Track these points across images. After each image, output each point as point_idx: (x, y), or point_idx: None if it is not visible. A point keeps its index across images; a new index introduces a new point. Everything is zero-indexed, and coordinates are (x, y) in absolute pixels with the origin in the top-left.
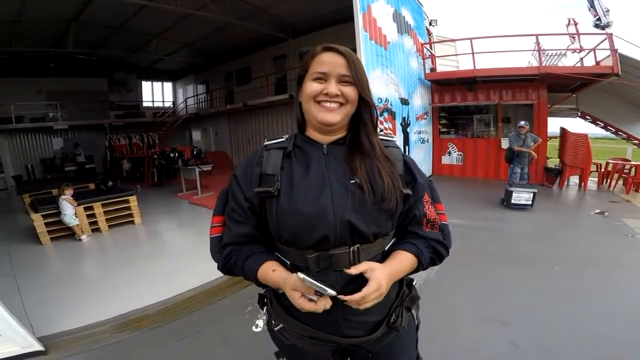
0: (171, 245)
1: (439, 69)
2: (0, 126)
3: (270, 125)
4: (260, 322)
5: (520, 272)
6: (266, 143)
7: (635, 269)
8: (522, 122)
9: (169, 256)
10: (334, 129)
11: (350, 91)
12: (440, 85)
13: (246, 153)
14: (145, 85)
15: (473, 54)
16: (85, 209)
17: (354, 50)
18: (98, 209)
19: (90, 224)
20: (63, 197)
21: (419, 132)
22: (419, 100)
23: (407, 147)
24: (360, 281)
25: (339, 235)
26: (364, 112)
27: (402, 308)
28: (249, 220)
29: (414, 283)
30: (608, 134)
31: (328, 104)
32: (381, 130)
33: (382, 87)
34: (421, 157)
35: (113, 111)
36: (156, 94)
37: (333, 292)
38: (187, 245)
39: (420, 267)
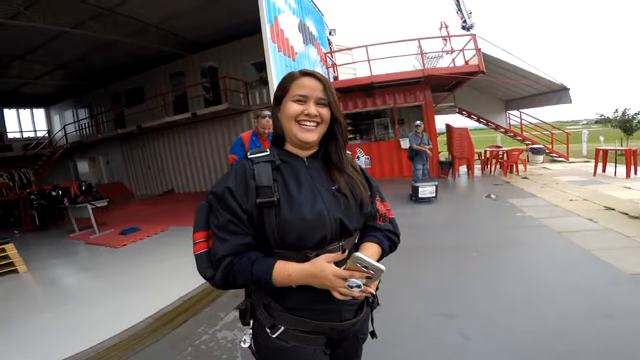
0: (74, 293)
1: (340, 77)
2: None
3: (172, 147)
4: (247, 338)
5: (445, 262)
6: (252, 156)
7: (535, 244)
8: (418, 122)
9: (73, 305)
10: (310, 145)
11: (325, 112)
12: (344, 92)
13: (147, 180)
14: (9, 113)
15: (369, 60)
16: None
17: (264, 61)
18: None
19: None
20: None
21: None
22: None
23: None
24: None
25: (334, 233)
26: (336, 129)
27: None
28: (248, 230)
29: None
30: (480, 125)
31: (308, 124)
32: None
33: None
34: None
35: None
36: (25, 122)
37: (384, 267)
38: (94, 289)
39: (383, 253)
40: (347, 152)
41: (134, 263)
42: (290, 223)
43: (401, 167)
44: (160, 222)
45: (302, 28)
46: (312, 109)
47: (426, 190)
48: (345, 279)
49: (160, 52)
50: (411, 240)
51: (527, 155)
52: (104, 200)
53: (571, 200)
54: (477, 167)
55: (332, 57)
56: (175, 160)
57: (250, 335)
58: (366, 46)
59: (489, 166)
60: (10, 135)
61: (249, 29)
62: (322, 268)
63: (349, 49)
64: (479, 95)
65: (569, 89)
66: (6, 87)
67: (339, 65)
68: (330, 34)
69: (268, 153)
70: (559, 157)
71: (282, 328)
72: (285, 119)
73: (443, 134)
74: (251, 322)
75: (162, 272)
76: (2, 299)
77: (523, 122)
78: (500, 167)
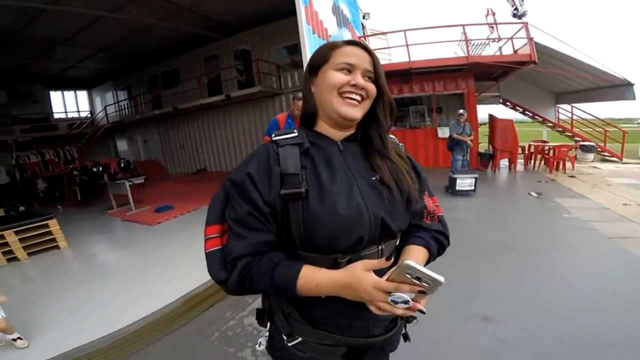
0: (110, 269)
1: None
2: None
3: (206, 128)
4: (263, 340)
5: (483, 262)
6: (276, 138)
7: (582, 248)
8: (461, 111)
9: (108, 282)
10: (351, 124)
11: (372, 87)
12: None
13: (181, 158)
14: (55, 95)
15: (407, 46)
16: None
17: (296, 44)
18: (11, 237)
19: (4, 253)
20: None
21: None
22: None
23: None
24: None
25: (373, 234)
26: (379, 110)
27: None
28: (271, 226)
29: None
30: (524, 118)
31: (353, 96)
32: None
33: None
34: None
35: (17, 125)
36: (69, 104)
37: (443, 279)
38: (128, 267)
39: (430, 258)
40: (392, 136)
41: (167, 241)
42: (321, 219)
43: (437, 157)
44: (192, 201)
45: (336, 10)
46: (360, 79)
47: (465, 182)
48: (390, 293)
49: (195, 36)
50: None
51: (576, 153)
52: (140, 177)
53: (625, 204)
54: (520, 161)
55: (365, 41)
56: (208, 141)
57: (267, 338)
58: (404, 30)
59: (532, 161)
60: (56, 116)
61: (281, 12)
62: (360, 278)
63: (384, 33)
64: (526, 87)
65: (634, 84)
66: (52, 70)
67: (373, 49)
68: (364, 17)
69: (296, 134)
70: (612, 156)
71: (300, 339)
72: (325, 89)
73: (485, 124)
74: (268, 324)
75: (193, 253)
76: (44, 274)
77: (574, 117)
78: (545, 164)
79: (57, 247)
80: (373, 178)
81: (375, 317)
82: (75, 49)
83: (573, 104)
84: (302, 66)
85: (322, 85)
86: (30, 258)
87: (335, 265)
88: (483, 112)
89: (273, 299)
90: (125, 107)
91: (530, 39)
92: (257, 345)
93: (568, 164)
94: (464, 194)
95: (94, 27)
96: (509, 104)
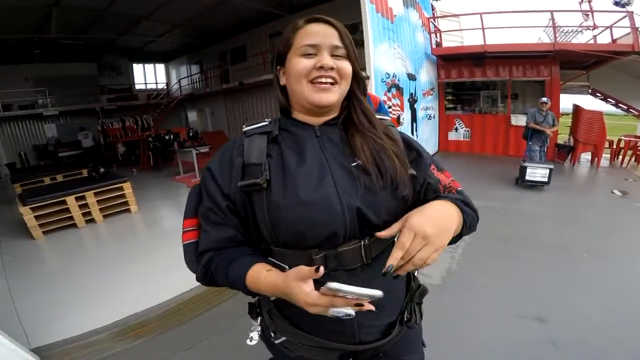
0: (171, 236)
1: (443, 44)
2: None
3: (267, 103)
4: (255, 335)
5: (547, 260)
6: (246, 129)
7: None
8: (544, 99)
9: (168, 249)
10: (327, 110)
11: (345, 66)
12: (447, 60)
13: None
14: (137, 68)
15: (483, 29)
16: (77, 199)
17: (359, 23)
18: (91, 198)
19: (84, 214)
20: None
21: (426, 109)
22: (426, 75)
23: (414, 124)
24: (379, 284)
25: (349, 227)
26: (356, 88)
27: (412, 304)
28: (230, 221)
29: (416, 274)
30: (617, 110)
31: (323, 80)
32: (389, 107)
33: (389, 62)
34: (427, 134)
35: (104, 95)
36: (149, 76)
37: (380, 293)
38: None
39: (464, 226)
40: (386, 118)
41: None
42: (284, 209)
43: (507, 145)
44: None
45: None
46: (327, 58)
47: (537, 172)
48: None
49: (261, 13)
50: (507, 229)
51: None
52: (206, 146)
53: None
54: (606, 156)
55: (435, 22)
56: (269, 115)
57: (259, 332)
58: (480, 13)
59: (621, 157)
60: (137, 87)
61: None
62: (293, 291)
63: (456, 15)
64: (621, 77)
65: None
66: (136, 44)
67: (444, 31)
68: None
69: (266, 123)
70: None
71: (284, 338)
72: (294, 80)
73: (567, 114)
74: (259, 319)
75: None
76: (117, 239)
77: None
78: (635, 161)
79: (128, 210)
80: (353, 164)
81: (360, 323)
82: (156, 24)
83: None
84: (363, 45)
85: (290, 76)
86: (105, 221)
87: (310, 262)
88: (567, 102)
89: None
90: (197, 80)
91: (634, 29)
92: (248, 340)
93: None
94: (535, 186)
95: (172, 3)
96: (599, 94)
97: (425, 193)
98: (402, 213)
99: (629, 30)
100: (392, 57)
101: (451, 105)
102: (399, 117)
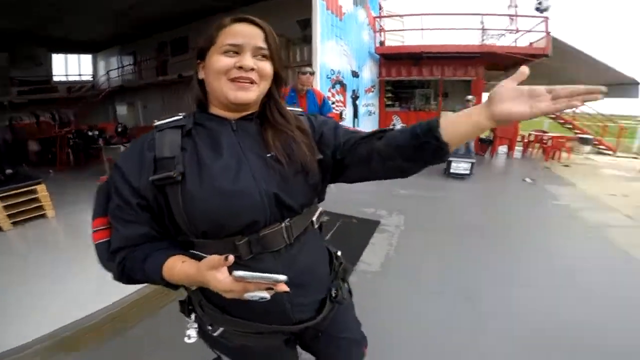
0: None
1: (386, 44)
2: None
3: None
4: (193, 332)
5: (472, 244)
6: (157, 123)
7: (565, 234)
8: (470, 97)
9: (90, 257)
10: (246, 107)
11: (266, 66)
12: (388, 59)
13: None
14: (58, 59)
15: (422, 29)
16: None
17: (309, 19)
18: None
19: None
20: None
21: (367, 105)
22: (368, 73)
23: (355, 120)
24: (304, 262)
25: (269, 213)
26: (274, 89)
27: (338, 280)
28: (141, 218)
29: (338, 253)
30: None
31: (242, 80)
32: (333, 103)
33: (335, 58)
34: (368, 129)
35: (15, 87)
36: (72, 67)
37: (284, 277)
38: None
39: (421, 135)
40: (297, 109)
41: None
42: (201, 200)
43: None
44: None
45: None
46: (248, 59)
47: (460, 166)
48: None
49: (205, 6)
50: (436, 216)
51: (573, 144)
52: None
53: (611, 194)
54: (519, 149)
55: (380, 21)
56: None
57: (196, 329)
58: (421, 15)
59: (531, 150)
60: (56, 79)
61: None
62: (207, 280)
63: (401, 16)
64: (535, 79)
65: (639, 83)
66: (58, 33)
67: (387, 31)
68: None
69: (180, 117)
70: (607, 149)
71: (222, 329)
72: (213, 76)
73: None
74: (193, 316)
75: None
76: (31, 248)
77: (576, 110)
78: (542, 153)
79: (44, 215)
80: (268, 155)
81: (291, 301)
82: (83, 12)
83: None
84: (311, 41)
85: (209, 72)
86: (16, 228)
87: (235, 249)
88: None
89: (188, 288)
90: (129, 72)
91: (548, 33)
92: (185, 338)
93: (564, 154)
94: (459, 177)
95: None
96: None
97: (352, 148)
98: (312, 193)
99: (544, 34)
100: (339, 54)
101: (390, 102)
102: (341, 113)
